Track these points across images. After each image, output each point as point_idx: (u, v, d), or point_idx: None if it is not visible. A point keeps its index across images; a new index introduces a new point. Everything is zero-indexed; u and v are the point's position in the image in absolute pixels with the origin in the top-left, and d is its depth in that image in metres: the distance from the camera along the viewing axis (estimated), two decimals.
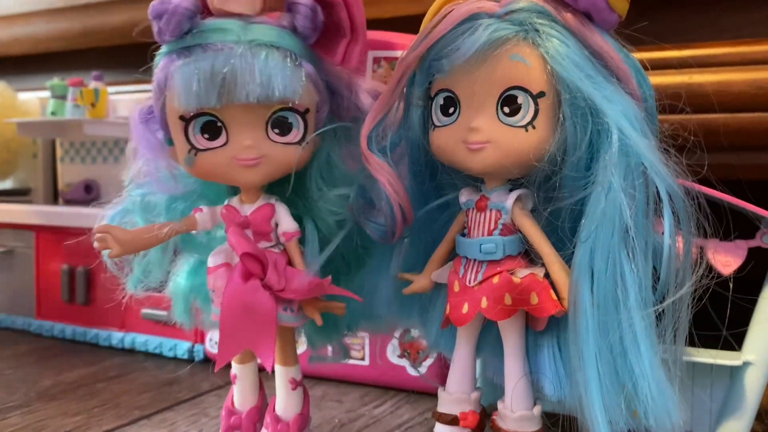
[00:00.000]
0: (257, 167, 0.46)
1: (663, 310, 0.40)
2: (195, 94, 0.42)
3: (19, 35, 1.36)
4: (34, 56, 1.35)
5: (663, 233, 0.40)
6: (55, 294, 0.96)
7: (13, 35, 1.37)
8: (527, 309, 0.44)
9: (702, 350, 0.53)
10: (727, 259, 0.57)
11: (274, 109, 0.45)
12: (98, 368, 0.83)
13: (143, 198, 0.50)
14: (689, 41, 0.77)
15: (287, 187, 0.48)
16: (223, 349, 0.47)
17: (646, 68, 0.44)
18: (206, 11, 0.45)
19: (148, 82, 0.47)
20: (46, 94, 1.06)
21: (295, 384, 0.51)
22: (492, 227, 0.45)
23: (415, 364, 0.71)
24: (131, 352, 0.89)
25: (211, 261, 0.49)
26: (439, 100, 0.45)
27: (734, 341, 0.47)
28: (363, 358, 0.74)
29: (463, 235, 0.47)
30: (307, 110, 0.46)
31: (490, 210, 0.45)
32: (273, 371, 0.49)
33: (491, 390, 0.55)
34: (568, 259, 0.43)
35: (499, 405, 0.47)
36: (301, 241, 0.49)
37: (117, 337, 0.90)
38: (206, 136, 0.45)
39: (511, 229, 0.45)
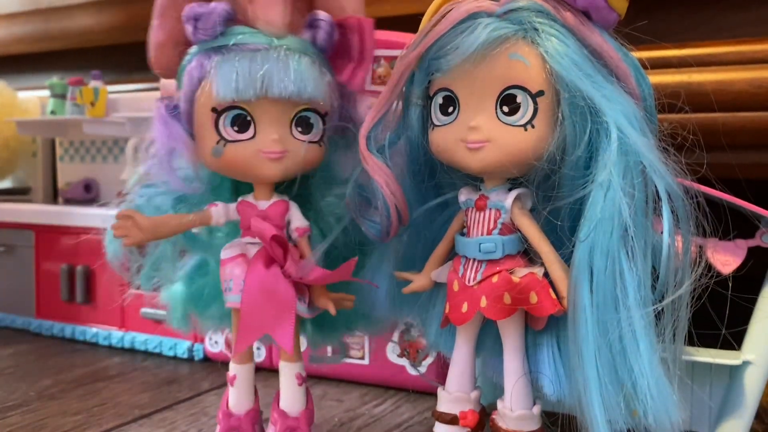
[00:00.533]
0: (280, 161, 0.48)
1: (662, 309, 0.40)
2: (234, 87, 0.45)
3: (18, 34, 1.36)
4: (34, 55, 1.35)
5: (662, 232, 0.40)
6: (55, 293, 0.96)
7: (13, 34, 1.37)
8: (526, 308, 0.44)
9: (701, 349, 0.53)
10: (726, 258, 0.57)
11: (300, 108, 0.48)
12: (98, 367, 0.83)
13: (150, 198, 0.52)
14: (689, 40, 0.77)
15: (292, 191, 0.51)
16: (243, 333, 0.48)
17: (645, 67, 0.44)
18: (238, 19, 0.48)
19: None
20: (46, 93, 1.06)
21: (301, 380, 0.52)
22: (491, 226, 0.45)
23: (415, 363, 0.71)
24: (131, 351, 0.89)
25: (226, 253, 0.50)
26: (438, 99, 0.45)
27: (734, 340, 0.47)
28: (363, 357, 0.74)
29: (463, 234, 0.47)
30: (326, 113, 0.49)
31: (490, 209, 0.45)
32: (291, 353, 0.50)
33: (491, 389, 0.55)
34: (567, 258, 0.43)
35: (499, 404, 0.48)
36: None
37: (117, 336, 0.90)
38: (236, 128, 0.47)
39: (511, 228, 0.45)
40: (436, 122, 0.45)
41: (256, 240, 0.50)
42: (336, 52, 0.50)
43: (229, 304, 0.50)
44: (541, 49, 0.41)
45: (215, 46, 0.47)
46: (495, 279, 0.44)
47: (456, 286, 0.46)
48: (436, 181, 0.49)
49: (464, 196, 0.47)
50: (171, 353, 0.86)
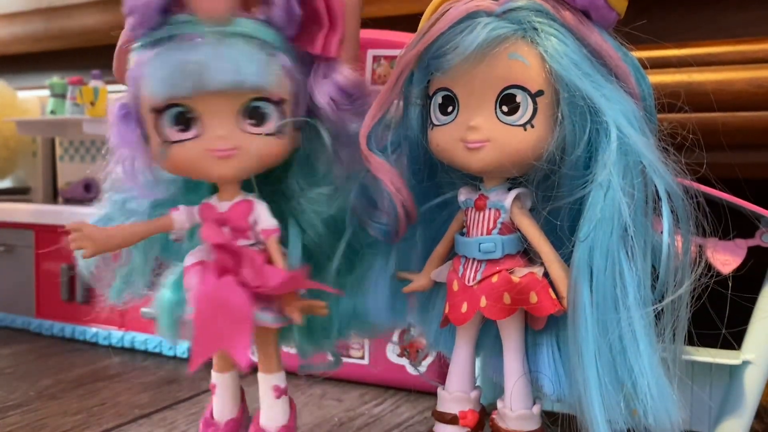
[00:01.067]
0: (231, 159, 0.44)
1: (662, 309, 0.40)
2: (165, 84, 0.42)
3: (18, 34, 1.36)
4: (34, 54, 1.35)
5: (662, 232, 0.40)
6: (55, 293, 0.96)
7: (13, 34, 1.37)
8: (526, 308, 0.44)
9: (701, 349, 0.53)
10: (726, 258, 0.57)
11: (248, 98, 0.44)
12: (98, 367, 0.83)
13: (124, 203, 0.49)
14: (688, 40, 0.77)
15: (271, 187, 0.48)
16: (196, 349, 0.44)
17: (645, 67, 0.44)
18: (178, 7, 0.44)
19: None
20: (46, 92, 1.06)
21: (279, 392, 0.49)
22: (491, 226, 0.45)
23: (415, 363, 0.71)
24: (131, 350, 0.89)
25: (188, 260, 0.47)
26: (438, 98, 0.45)
27: (733, 340, 0.47)
28: (362, 357, 0.74)
29: (462, 234, 0.47)
30: (282, 100, 0.45)
31: (489, 209, 0.45)
32: (249, 372, 0.47)
33: (491, 389, 0.55)
34: (567, 258, 0.43)
35: (499, 404, 0.48)
36: (284, 244, 0.48)
37: (117, 335, 0.90)
38: (178, 128, 0.44)
39: (510, 228, 0.45)
40: (435, 122, 0.45)
41: None
42: (303, 25, 0.46)
43: (188, 316, 0.47)
44: (540, 48, 0.41)
45: (153, 40, 0.43)
46: (495, 279, 0.44)
47: (456, 286, 0.46)
48: (435, 181, 0.49)
49: (464, 195, 0.47)
50: (171, 353, 0.86)
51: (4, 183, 1.25)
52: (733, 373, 0.56)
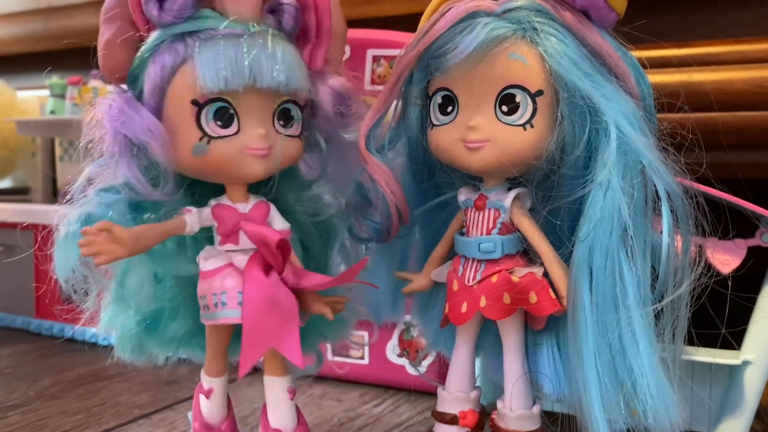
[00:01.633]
0: (266, 158, 0.44)
1: (662, 309, 0.40)
2: (222, 76, 0.41)
3: (18, 33, 1.36)
4: (34, 54, 1.35)
5: (662, 232, 0.40)
6: (55, 293, 0.96)
7: (13, 34, 1.37)
8: (526, 308, 0.44)
9: (701, 349, 0.53)
10: (726, 258, 0.57)
11: (282, 99, 0.44)
12: (98, 367, 0.83)
13: (110, 205, 0.45)
14: (688, 39, 0.77)
15: (265, 193, 0.47)
16: (249, 351, 0.43)
17: (644, 66, 0.44)
18: (203, 2, 0.44)
19: None
20: (45, 92, 1.06)
21: (293, 393, 0.48)
22: (491, 226, 0.45)
23: (415, 363, 0.71)
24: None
25: (208, 264, 0.46)
26: (438, 98, 0.45)
27: (733, 340, 0.47)
28: (362, 357, 0.74)
29: (462, 234, 0.47)
30: (305, 104, 0.46)
31: (489, 209, 0.45)
32: (302, 367, 0.46)
33: (491, 389, 0.55)
34: (566, 258, 0.43)
35: (499, 404, 0.47)
36: None
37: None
38: (219, 123, 0.42)
39: (510, 228, 0.45)
40: (435, 122, 0.45)
41: (239, 247, 0.45)
42: (296, 36, 0.46)
43: (223, 321, 0.45)
44: (540, 48, 0.41)
45: (187, 30, 0.42)
46: (494, 279, 0.44)
47: (455, 286, 0.46)
48: (435, 181, 0.49)
49: (463, 195, 0.47)
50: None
51: (4, 183, 1.25)
52: (733, 373, 0.56)
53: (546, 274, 0.44)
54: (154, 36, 0.43)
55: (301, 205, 0.49)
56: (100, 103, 0.44)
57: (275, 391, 0.48)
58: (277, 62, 0.42)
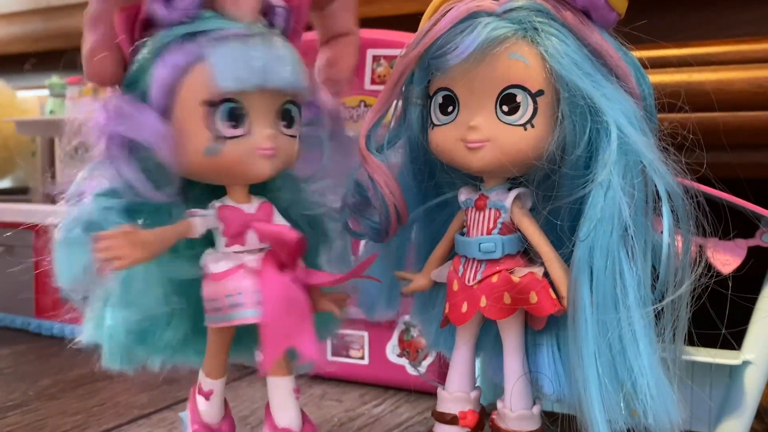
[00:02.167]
0: (273, 158, 0.44)
1: (662, 309, 0.40)
2: (237, 76, 0.41)
3: (18, 33, 1.36)
4: (33, 54, 1.34)
5: (662, 232, 0.40)
6: (55, 293, 0.95)
7: (12, 33, 1.37)
8: (526, 308, 0.44)
9: (701, 349, 0.53)
10: (726, 258, 0.57)
11: (285, 99, 0.44)
12: (97, 367, 0.82)
13: (108, 210, 0.45)
14: (689, 39, 0.77)
15: (257, 193, 0.47)
16: (270, 350, 0.43)
17: (645, 66, 0.44)
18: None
19: None
20: (45, 92, 1.06)
21: (298, 392, 0.48)
22: (491, 226, 0.45)
23: (415, 363, 0.71)
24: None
25: (218, 267, 0.45)
26: (438, 98, 0.45)
27: (734, 340, 0.47)
28: (362, 357, 0.74)
29: (462, 234, 0.47)
30: (302, 105, 0.46)
31: (489, 209, 0.45)
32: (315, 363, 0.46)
33: (491, 389, 0.55)
34: (567, 258, 0.43)
35: (499, 404, 0.47)
36: None
37: None
38: (232, 123, 0.42)
39: (510, 228, 0.45)
40: (435, 122, 0.45)
41: (246, 248, 0.45)
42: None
43: (239, 321, 0.45)
44: (540, 48, 0.41)
45: (197, 30, 0.42)
46: (495, 279, 0.44)
47: (456, 286, 0.46)
48: (435, 181, 0.49)
49: (464, 195, 0.47)
50: None
51: (4, 183, 1.25)
52: (733, 373, 0.56)
53: (546, 274, 0.44)
54: (157, 37, 0.42)
55: (296, 204, 0.49)
56: (93, 104, 0.43)
57: (281, 390, 0.48)
58: (286, 63, 0.42)
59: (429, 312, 0.52)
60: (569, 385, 0.44)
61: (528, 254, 0.46)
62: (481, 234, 0.46)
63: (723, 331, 0.44)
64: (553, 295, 0.43)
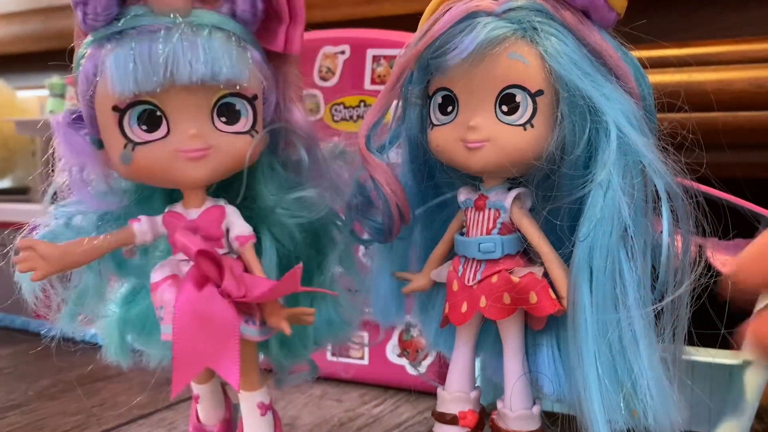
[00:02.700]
0: (203, 160, 0.41)
1: (662, 309, 0.40)
2: (132, 78, 0.38)
3: (17, 33, 1.36)
4: (33, 54, 1.34)
5: (662, 232, 0.40)
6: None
7: (12, 33, 1.37)
8: (526, 308, 0.44)
9: (701, 349, 0.53)
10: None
11: (220, 94, 0.41)
12: (97, 367, 0.82)
13: (69, 219, 0.45)
14: (688, 39, 0.77)
15: (237, 194, 0.44)
16: (179, 370, 0.41)
17: (645, 66, 0.44)
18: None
19: None
20: (45, 92, 1.06)
21: (264, 409, 0.47)
22: (491, 226, 0.45)
23: (415, 363, 0.71)
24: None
25: (155, 276, 0.43)
26: (438, 98, 0.44)
27: (733, 340, 0.47)
28: (362, 358, 0.74)
29: (462, 234, 0.47)
30: (255, 96, 0.42)
31: (489, 209, 0.45)
32: (239, 389, 0.44)
33: (491, 389, 0.55)
34: (566, 258, 0.43)
35: (499, 404, 0.47)
36: (257, 255, 0.45)
37: None
38: (144, 127, 0.40)
39: (510, 228, 0.45)
40: (435, 121, 0.45)
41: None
42: (265, 22, 0.43)
43: (164, 337, 0.43)
44: (540, 48, 0.41)
45: (110, 33, 0.39)
46: (494, 279, 0.44)
47: (455, 286, 0.46)
48: (435, 181, 0.49)
49: (463, 195, 0.47)
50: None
51: (4, 183, 1.25)
52: (733, 373, 0.56)
53: (546, 274, 0.44)
54: (85, 41, 0.41)
55: (283, 207, 0.46)
56: (53, 120, 0.43)
57: (245, 404, 0.47)
58: (197, 54, 0.38)
59: (429, 312, 0.52)
60: (569, 385, 0.44)
61: (528, 254, 0.46)
62: (481, 234, 0.45)
63: (723, 331, 0.44)
64: (553, 295, 0.43)
